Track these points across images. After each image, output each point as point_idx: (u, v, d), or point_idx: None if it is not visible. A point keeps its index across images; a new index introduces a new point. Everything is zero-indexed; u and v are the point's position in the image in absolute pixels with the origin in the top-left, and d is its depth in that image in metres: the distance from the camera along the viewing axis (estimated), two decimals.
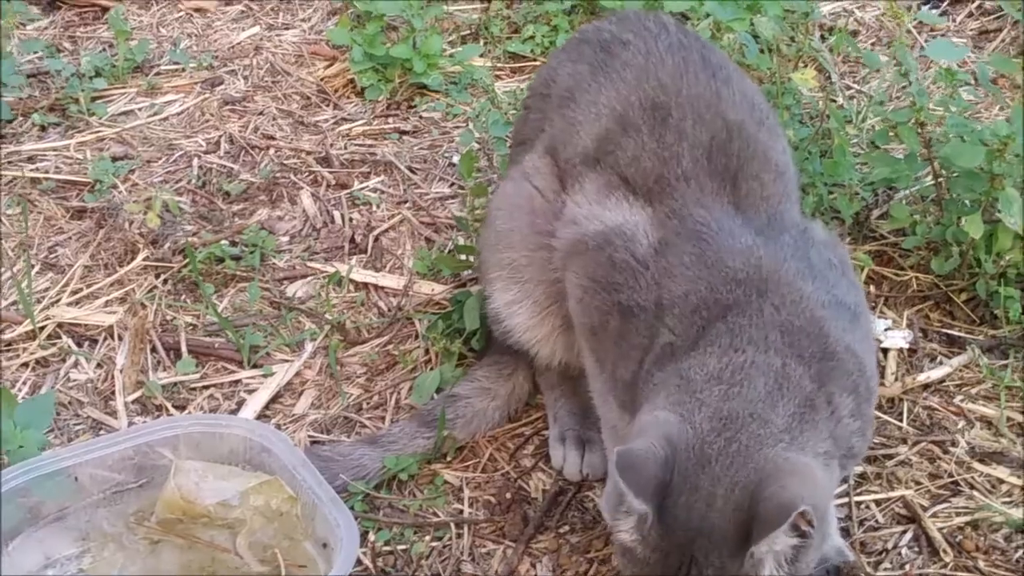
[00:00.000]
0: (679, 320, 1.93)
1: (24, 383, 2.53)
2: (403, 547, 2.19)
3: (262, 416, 2.46)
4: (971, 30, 3.43)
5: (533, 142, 2.35)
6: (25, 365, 2.57)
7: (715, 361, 1.85)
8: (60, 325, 2.64)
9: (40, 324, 2.63)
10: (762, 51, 3.05)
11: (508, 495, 2.30)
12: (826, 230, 2.19)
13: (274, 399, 2.51)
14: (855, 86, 3.22)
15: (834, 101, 3.09)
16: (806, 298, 1.92)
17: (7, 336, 2.62)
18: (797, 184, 2.26)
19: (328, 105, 3.30)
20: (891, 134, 2.73)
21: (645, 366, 1.95)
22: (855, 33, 3.43)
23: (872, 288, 2.66)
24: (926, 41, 3.35)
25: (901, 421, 2.39)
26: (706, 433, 1.77)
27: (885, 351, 2.53)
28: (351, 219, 2.94)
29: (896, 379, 2.47)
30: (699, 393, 1.83)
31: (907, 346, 2.54)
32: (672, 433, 1.77)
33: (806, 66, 3.06)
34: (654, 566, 1.75)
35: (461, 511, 2.27)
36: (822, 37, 3.34)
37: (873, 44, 3.41)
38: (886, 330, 2.56)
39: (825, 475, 1.80)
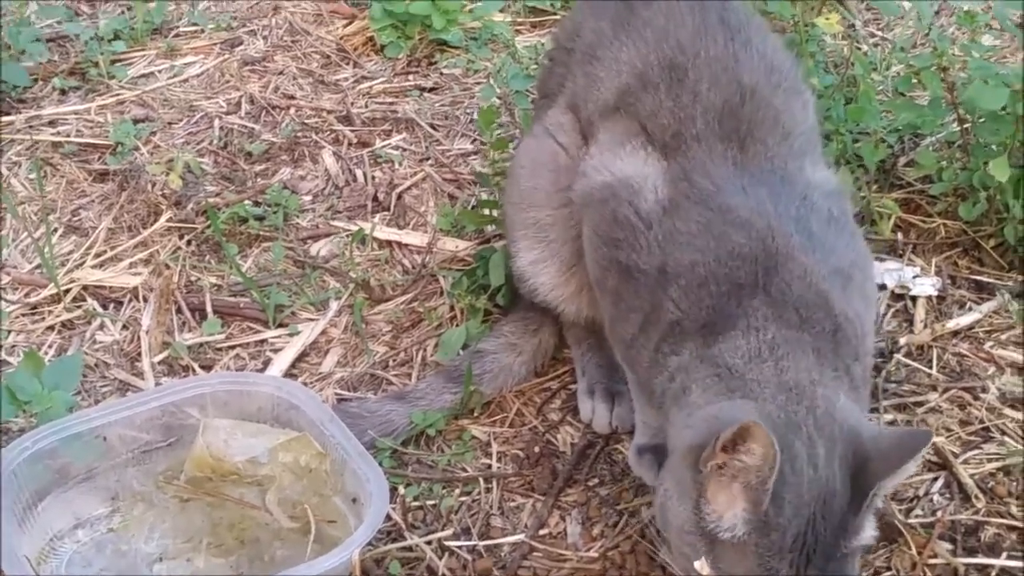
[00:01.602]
0: (685, 294, 1.93)
1: (50, 346, 2.53)
2: (432, 502, 2.18)
3: (288, 375, 2.46)
4: None
5: (556, 96, 2.33)
6: (51, 328, 2.57)
7: (744, 343, 1.86)
8: (85, 288, 2.64)
9: (65, 287, 2.63)
10: None
11: (536, 449, 2.29)
12: (837, 178, 2.16)
13: (300, 358, 2.51)
14: (879, 33, 3.18)
15: (858, 48, 3.06)
16: (810, 272, 1.92)
17: (32, 299, 2.62)
18: (818, 137, 2.23)
19: (348, 63, 3.29)
20: (914, 80, 2.70)
21: (653, 341, 1.95)
22: None
23: (900, 235, 2.64)
24: None
25: (931, 368, 2.37)
26: (784, 403, 1.79)
27: (914, 299, 2.52)
28: (373, 177, 2.93)
29: (925, 326, 2.45)
30: (749, 374, 1.84)
31: (936, 293, 2.52)
32: (753, 413, 1.76)
33: (829, 11, 3.03)
34: (774, 547, 1.73)
35: (489, 466, 2.27)
36: None
37: None
38: (915, 277, 2.55)
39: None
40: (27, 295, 2.64)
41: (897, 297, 2.54)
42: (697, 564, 1.75)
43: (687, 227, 1.98)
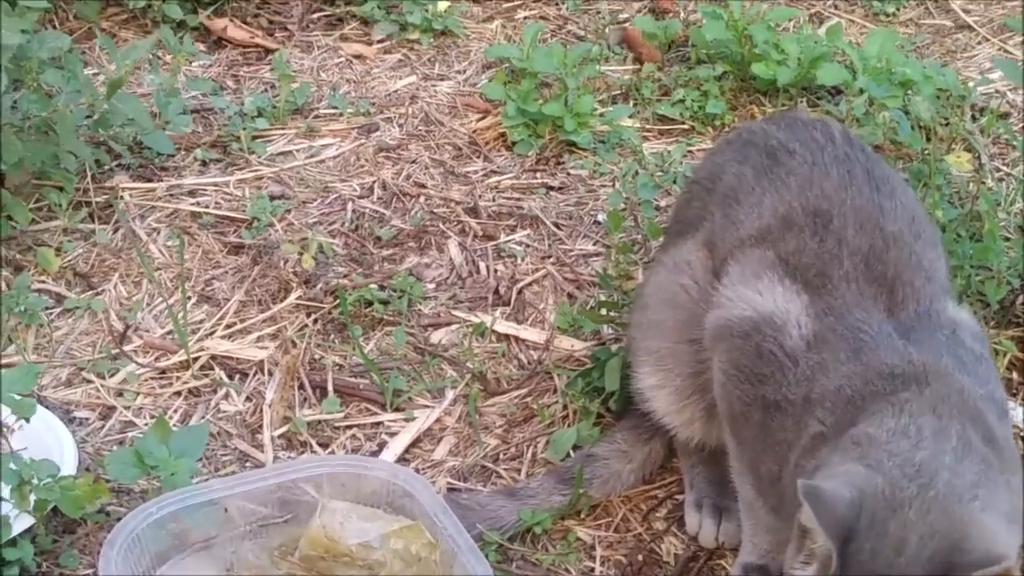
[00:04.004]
0: (830, 412, 1.96)
1: (176, 411, 2.62)
2: None
3: (401, 460, 2.52)
4: None
5: (693, 229, 2.41)
6: (178, 394, 2.66)
7: (892, 422, 1.86)
8: (213, 357, 2.73)
9: (194, 355, 2.72)
10: (914, 129, 3.06)
11: (640, 557, 2.33)
12: (974, 319, 2.20)
13: (414, 443, 2.57)
14: (1005, 168, 3.21)
15: (984, 183, 3.08)
16: (966, 389, 1.93)
17: (162, 364, 2.72)
18: (948, 276, 2.28)
19: (479, 157, 3.38)
20: None
21: (792, 461, 1.97)
22: (1006, 115, 3.42)
23: (1015, 375, 2.65)
24: None
25: None
26: (897, 478, 1.76)
27: (1022, 438, 2.52)
28: (496, 271, 3.00)
29: None
30: (885, 445, 1.83)
31: None
32: (859, 479, 1.77)
33: (957, 147, 3.07)
34: None
35: (592, 569, 2.31)
36: (973, 118, 3.34)
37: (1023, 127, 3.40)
38: None
39: (1012, 539, 1.77)
40: (157, 359, 2.73)
41: None
42: None
43: (835, 356, 2.02)
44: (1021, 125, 3.41)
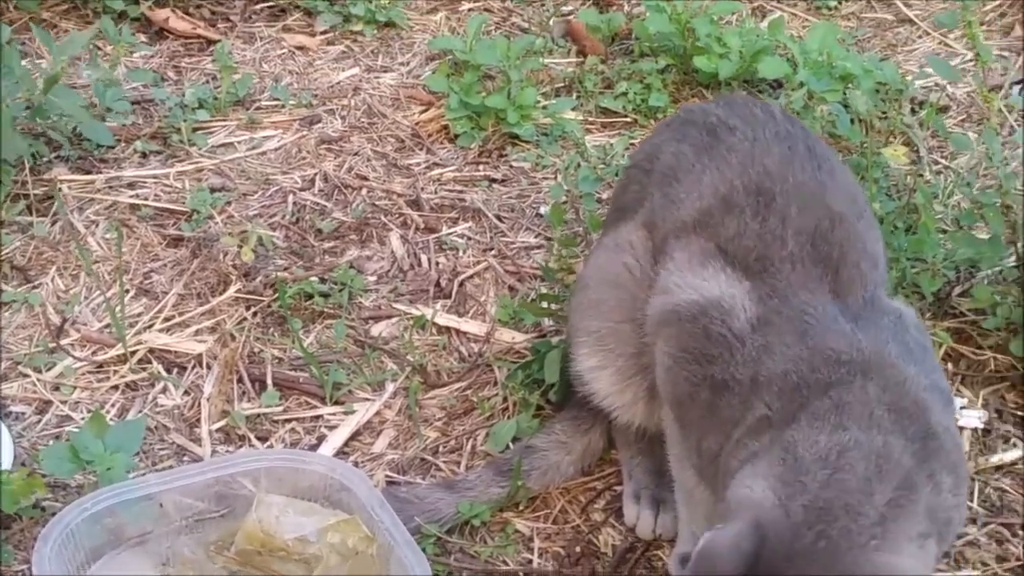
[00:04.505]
0: (777, 397, 1.96)
1: (113, 405, 2.60)
2: None
3: (341, 453, 2.52)
4: None
5: (632, 212, 2.40)
6: (115, 388, 2.65)
7: (824, 438, 1.86)
8: (151, 351, 2.72)
9: (132, 348, 2.71)
10: (853, 122, 3.09)
11: (578, 548, 2.34)
12: (914, 313, 2.22)
13: (353, 436, 2.57)
14: (943, 161, 3.23)
15: (921, 176, 3.11)
16: (909, 380, 1.94)
17: (99, 357, 2.70)
18: (887, 267, 2.30)
19: (421, 149, 3.37)
20: (977, 214, 2.75)
21: (735, 436, 1.98)
22: (945, 108, 3.45)
23: (950, 366, 2.68)
24: (1016, 121, 3.36)
25: (972, 501, 2.40)
26: (799, 525, 1.77)
27: (960, 429, 2.54)
28: (437, 263, 3.00)
29: (969, 458, 2.48)
30: (803, 476, 1.83)
31: (981, 426, 2.56)
32: (765, 519, 1.78)
33: (896, 140, 3.09)
34: None
35: (530, 561, 2.32)
36: (912, 111, 3.36)
37: (963, 120, 3.42)
38: (961, 408, 2.58)
39: (917, 562, 1.80)
40: (94, 353, 2.72)
41: None
42: None
43: (781, 339, 2.02)
44: (960, 119, 3.44)
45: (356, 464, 2.49)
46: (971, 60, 3.39)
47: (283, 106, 3.50)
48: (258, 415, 2.60)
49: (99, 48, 3.58)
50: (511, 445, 2.51)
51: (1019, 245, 2.59)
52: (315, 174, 3.24)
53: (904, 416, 1.89)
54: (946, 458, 1.90)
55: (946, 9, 3.82)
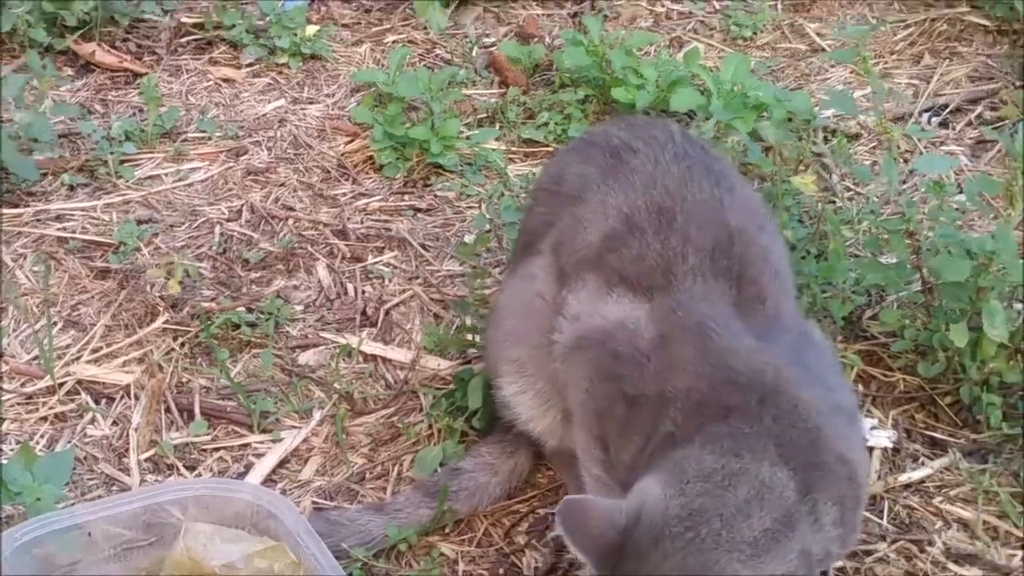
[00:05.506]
0: (681, 414, 2.04)
1: (42, 436, 2.63)
2: None
3: (269, 480, 2.56)
4: (970, 139, 3.55)
5: (540, 237, 2.46)
6: (44, 419, 2.68)
7: (711, 461, 1.94)
8: (79, 382, 2.75)
9: (60, 380, 2.74)
10: (765, 152, 3.18)
11: (501, 571, 2.39)
12: (821, 331, 2.30)
13: (281, 464, 2.61)
14: (855, 187, 3.33)
15: (833, 202, 3.20)
16: (803, 405, 2.01)
17: (28, 389, 2.73)
18: (793, 283, 2.37)
19: (347, 180, 3.42)
20: (883, 240, 2.84)
21: (647, 451, 2.05)
22: (856, 136, 3.55)
23: (860, 387, 2.76)
24: (925, 148, 3.47)
25: (881, 518, 2.48)
26: (673, 517, 1.87)
27: (870, 449, 2.62)
28: (364, 292, 3.05)
29: (879, 477, 2.57)
30: (685, 484, 1.92)
31: (891, 445, 2.64)
32: (646, 504, 1.88)
33: (806, 168, 3.18)
34: None
35: None
36: (824, 139, 3.46)
37: (874, 147, 3.52)
38: (872, 429, 2.66)
39: None
40: (23, 385, 2.75)
41: None
42: None
43: (684, 354, 2.09)
44: (871, 146, 3.54)
45: (284, 491, 2.53)
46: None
47: (210, 138, 3.54)
48: (186, 444, 2.64)
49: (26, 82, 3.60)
50: (438, 470, 2.56)
51: (924, 271, 2.68)
52: (242, 205, 3.28)
53: (793, 447, 1.97)
54: (832, 489, 1.97)
55: (856, 40, 3.92)
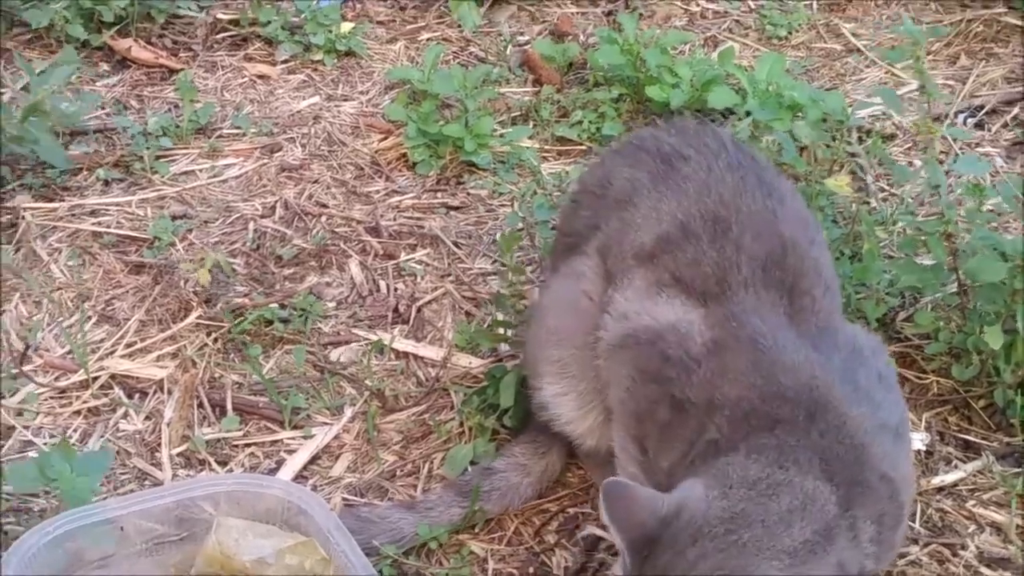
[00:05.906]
0: (728, 422, 2.04)
1: (75, 430, 2.65)
2: None
3: (300, 477, 2.57)
4: (1005, 140, 3.53)
5: (584, 239, 2.46)
6: (77, 413, 2.69)
7: (756, 470, 1.95)
8: (113, 376, 2.77)
9: (94, 374, 2.75)
10: (801, 152, 3.16)
11: (531, 570, 2.40)
12: (872, 336, 2.29)
13: (312, 460, 2.62)
14: (889, 188, 3.31)
15: (867, 203, 3.19)
16: (851, 422, 2.02)
17: (61, 383, 2.75)
18: (839, 285, 2.37)
19: (380, 177, 3.43)
20: (919, 241, 2.82)
21: (689, 457, 2.06)
22: (892, 136, 3.54)
23: None
24: (960, 149, 3.45)
25: (914, 522, 2.47)
26: (715, 517, 1.88)
27: None
28: (396, 289, 3.06)
29: None
30: (728, 488, 1.93)
31: (924, 448, 2.63)
32: (688, 500, 1.89)
33: (840, 169, 3.16)
34: None
35: None
36: (859, 139, 3.44)
37: (909, 148, 3.51)
38: None
39: None
40: (56, 379, 2.76)
41: None
42: None
43: (735, 364, 2.10)
44: (907, 147, 3.53)
45: (315, 488, 2.54)
46: (916, 89, 3.46)
47: (244, 134, 3.55)
48: (218, 440, 2.65)
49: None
50: (468, 469, 2.56)
51: (960, 272, 2.66)
52: (275, 201, 3.29)
53: (837, 462, 1.98)
54: (873, 506, 1.98)
55: (894, 38, 3.90)
